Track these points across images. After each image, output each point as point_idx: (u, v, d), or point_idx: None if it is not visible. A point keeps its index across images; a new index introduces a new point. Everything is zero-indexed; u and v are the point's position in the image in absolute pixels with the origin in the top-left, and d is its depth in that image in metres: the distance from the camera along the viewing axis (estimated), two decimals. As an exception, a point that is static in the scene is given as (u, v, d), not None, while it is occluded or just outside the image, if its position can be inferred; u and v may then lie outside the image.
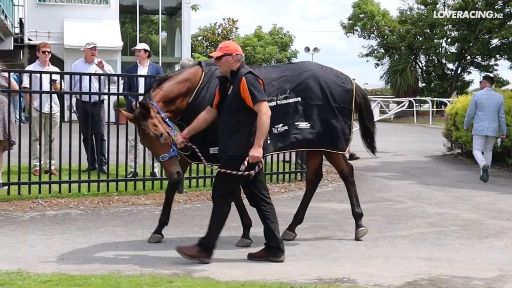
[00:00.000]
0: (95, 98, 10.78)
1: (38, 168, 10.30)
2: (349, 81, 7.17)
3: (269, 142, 6.43)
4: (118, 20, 29.71)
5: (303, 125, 6.77)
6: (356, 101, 7.15)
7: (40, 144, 10.18)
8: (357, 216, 7.38)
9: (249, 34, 39.27)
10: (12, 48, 28.73)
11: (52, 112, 10.49)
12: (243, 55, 6.37)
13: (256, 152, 5.96)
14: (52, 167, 10.74)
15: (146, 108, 6.19)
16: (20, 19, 32.42)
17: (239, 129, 6.03)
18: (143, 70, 10.96)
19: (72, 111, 11.15)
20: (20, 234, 7.28)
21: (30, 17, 28.96)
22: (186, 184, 10.35)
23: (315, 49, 45.24)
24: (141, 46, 11.20)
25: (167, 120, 6.34)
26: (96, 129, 11.08)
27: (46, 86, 9.98)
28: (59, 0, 29.12)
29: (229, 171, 6.02)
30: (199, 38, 41.68)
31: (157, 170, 10.81)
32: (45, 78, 10.09)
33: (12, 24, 28.74)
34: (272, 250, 6.26)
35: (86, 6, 29.35)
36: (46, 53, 10.70)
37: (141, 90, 10.34)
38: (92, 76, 10.02)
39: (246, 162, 5.95)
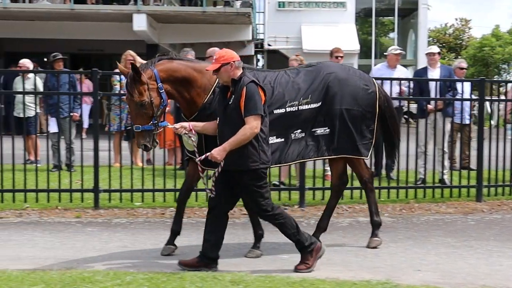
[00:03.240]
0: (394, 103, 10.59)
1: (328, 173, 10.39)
2: (372, 83, 6.77)
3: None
4: (354, 23, 29.64)
5: (321, 131, 6.38)
6: (379, 103, 6.69)
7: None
8: (376, 224, 6.97)
9: (486, 34, 37.47)
10: (253, 53, 29.74)
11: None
12: (241, 60, 5.85)
13: (218, 153, 5.59)
14: (328, 173, 10.73)
15: (136, 71, 5.77)
16: (256, 24, 33.50)
17: None
18: (434, 72, 10.64)
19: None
20: (350, 240, 7.25)
21: (270, 23, 29.79)
22: (485, 193, 9.82)
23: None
24: (435, 49, 10.86)
25: (162, 92, 5.88)
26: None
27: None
28: (297, 5, 29.62)
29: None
30: (429, 39, 40.59)
31: (446, 177, 10.44)
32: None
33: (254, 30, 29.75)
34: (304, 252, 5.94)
35: (323, 10, 29.57)
36: (339, 58, 10.71)
37: (432, 94, 10.07)
38: (393, 81, 9.86)
39: (203, 157, 5.73)
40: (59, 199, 8.84)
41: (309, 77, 6.42)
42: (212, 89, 6.07)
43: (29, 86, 11.42)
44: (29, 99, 11.24)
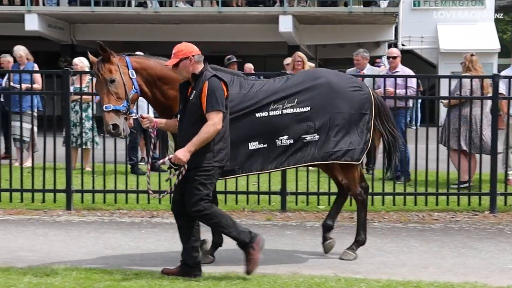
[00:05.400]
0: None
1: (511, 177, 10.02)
2: (364, 86, 6.48)
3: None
4: (493, 21, 28.57)
5: (310, 137, 5.99)
6: (374, 106, 6.30)
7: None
8: (358, 241, 6.46)
9: None
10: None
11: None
12: (201, 54, 5.57)
13: (182, 154, 5.37)
14: (510, 177, 10.28)
15: (104, 50, 5.65)
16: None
17: None
18: None
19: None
20: None
21: (404, 23, 29.16)
22: None
23: None
24: None
25: (134, 78, 5.74)
26: None
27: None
28: (433, 4, 28.88)
29: None
30: None
31: None
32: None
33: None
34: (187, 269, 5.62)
35: (460, 8, 28.67)
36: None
37: None
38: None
39: (167, 159, 5.55)
40: (247, 201, 8.89)
41: (297, 82, 6.13)
42: None
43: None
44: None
